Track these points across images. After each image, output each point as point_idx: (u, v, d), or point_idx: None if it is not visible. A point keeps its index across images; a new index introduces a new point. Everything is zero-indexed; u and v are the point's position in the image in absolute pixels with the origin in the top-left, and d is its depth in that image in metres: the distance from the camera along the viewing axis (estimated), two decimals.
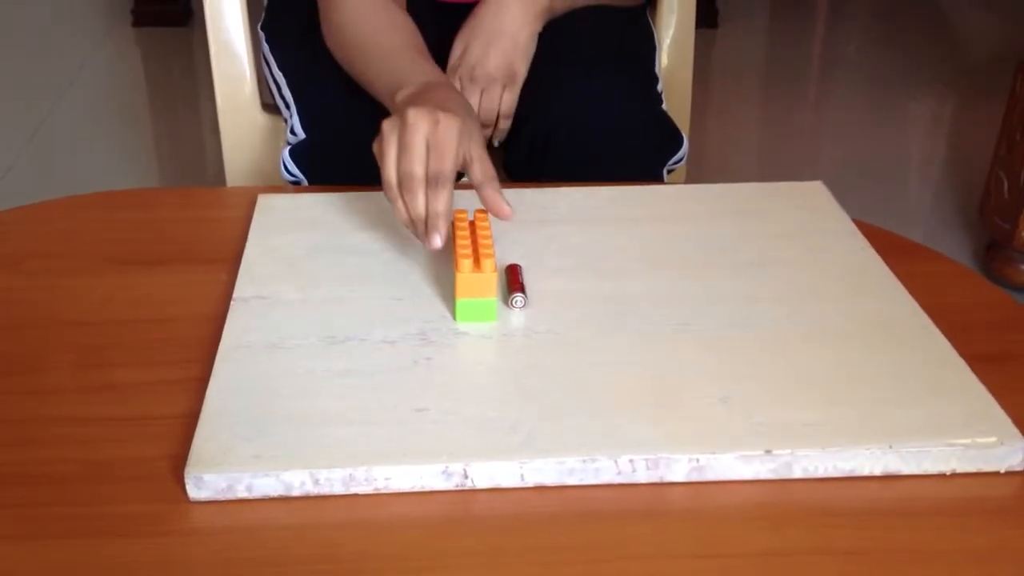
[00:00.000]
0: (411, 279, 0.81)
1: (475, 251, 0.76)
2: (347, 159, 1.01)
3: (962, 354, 0.73)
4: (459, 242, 0.76)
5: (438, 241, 0.76)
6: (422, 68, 0.91)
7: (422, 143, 0.77)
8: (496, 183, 0.79)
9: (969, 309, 0.81)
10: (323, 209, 0.91)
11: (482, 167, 0.79)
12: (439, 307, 0.78)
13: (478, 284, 0.75)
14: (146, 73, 2.81)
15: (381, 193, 0.93)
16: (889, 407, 0.68)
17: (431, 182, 0.76)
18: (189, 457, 0.63)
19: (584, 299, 0.79)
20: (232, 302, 0.78)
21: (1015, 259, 1.81)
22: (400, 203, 0.78)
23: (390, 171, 0.78)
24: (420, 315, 0.77)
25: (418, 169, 0.77)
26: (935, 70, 2.76)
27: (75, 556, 0.59)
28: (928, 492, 0.65)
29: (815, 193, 0.95)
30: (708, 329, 0.76)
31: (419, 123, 0.77)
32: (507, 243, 0.85)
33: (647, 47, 1.17)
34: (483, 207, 0.79)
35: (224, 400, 0.68)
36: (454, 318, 0.76)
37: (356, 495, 0.63)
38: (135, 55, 2.86)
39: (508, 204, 0.78)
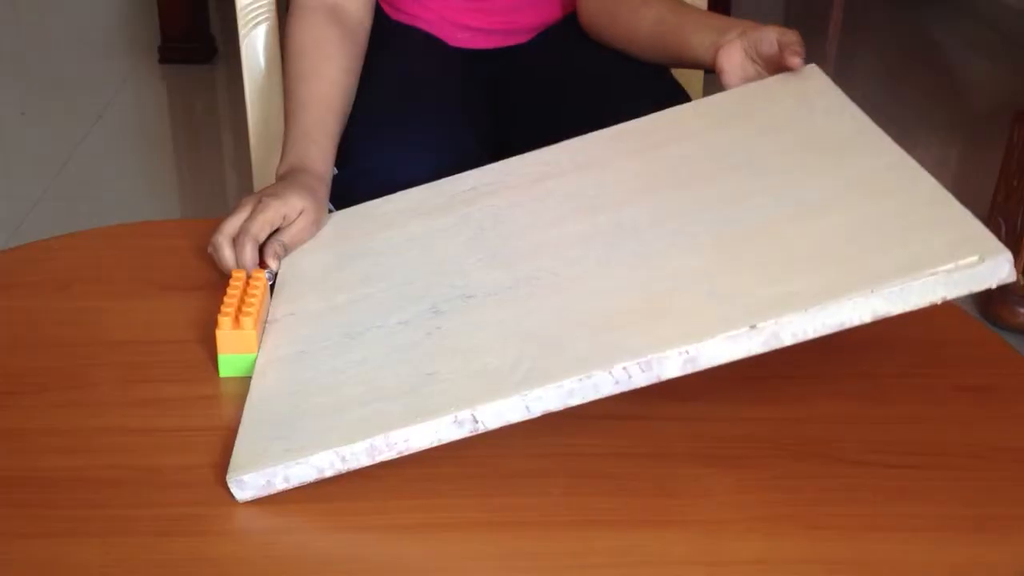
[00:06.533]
0: (425, 263, 0.84)
1: (238, 309, 0.80)
2: (372, 194, 1.06)
3: (947, 387, 0.76)
4: (225, 299, 0.80)
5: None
6: (302, 146, 0.99)
7: (245, 210, 0.90)
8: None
9: (957, 344, 0.85)
10: (344, 223, 0.95)
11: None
12: (451, 281, 0.80)
13: (238, 341, 0.79)
14: (171, 109, 2.88)
15: (395, 196, 0.96)
16: (872, 255, 0.67)
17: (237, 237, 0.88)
18: (230, 463, 0.68)
19: (583, 237, 0.80)
20: (267, 324, 0.83)
21: (1012, 302, 1.85)
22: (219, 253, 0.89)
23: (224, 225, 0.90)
24: (432, 293, 0.79)
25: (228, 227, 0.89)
26: (938, 118, 2.81)
27: (130, 552, 0.65)
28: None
29: (809, 77, 0.90)
30: (699, 235, 0.75)
31: (246, 202, 0.91)
32: (508, 205, 0.87)
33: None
34: (259, 266, 0.87)
35: (260, 412, 0.73)
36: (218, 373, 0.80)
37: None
38: (161, 91, 2.93)
39: None
